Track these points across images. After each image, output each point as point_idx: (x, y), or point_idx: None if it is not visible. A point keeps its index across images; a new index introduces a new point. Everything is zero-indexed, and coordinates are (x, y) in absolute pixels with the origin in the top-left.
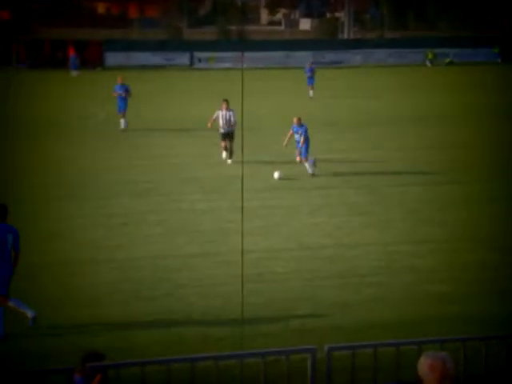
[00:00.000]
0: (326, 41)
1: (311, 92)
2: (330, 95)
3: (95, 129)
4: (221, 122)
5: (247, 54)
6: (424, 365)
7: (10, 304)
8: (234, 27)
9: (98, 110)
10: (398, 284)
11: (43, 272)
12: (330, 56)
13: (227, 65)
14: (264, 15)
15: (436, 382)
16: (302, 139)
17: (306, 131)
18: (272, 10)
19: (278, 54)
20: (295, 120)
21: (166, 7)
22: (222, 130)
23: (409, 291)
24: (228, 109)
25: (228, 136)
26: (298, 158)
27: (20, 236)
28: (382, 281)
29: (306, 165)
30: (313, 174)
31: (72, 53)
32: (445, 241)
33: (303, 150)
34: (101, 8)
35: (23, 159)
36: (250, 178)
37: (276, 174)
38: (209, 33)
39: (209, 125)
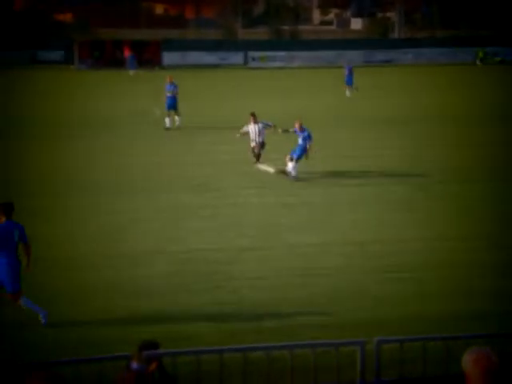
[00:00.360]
0: (377, 40)
1: (349, 91)
2: (376, 94)
3: (150, 126)
4: (251, 136)
5: (299, 54)
6: (468, 360)
7: (21, 303)
8: (286, 27)
9: (154, 108)
10: (442, 279)
11: (103, 262)
12: (380, 55)
13: (279, 64)
14: (316, 15)
15: (480, 377)
16: (301, 142)
17: (308, 136)
18: (324, 10)
19: (329, 54)
20: (297, 125)
21: (222, 8)
22: (252, 144)
23: (453, 286)
24: (256, 122)
25: (258, 146)
26: (286, 158)
27: (83, 227)
28: (427, 276)
29: (290, 165)
30: (295, 178)
31: (128, 53)
32: (487, 237)
33: (297, 152)
34: (159, 9)
35: (81, 156)
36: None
37: (293, 172)
38: (262, 33)
39: (237, 135)
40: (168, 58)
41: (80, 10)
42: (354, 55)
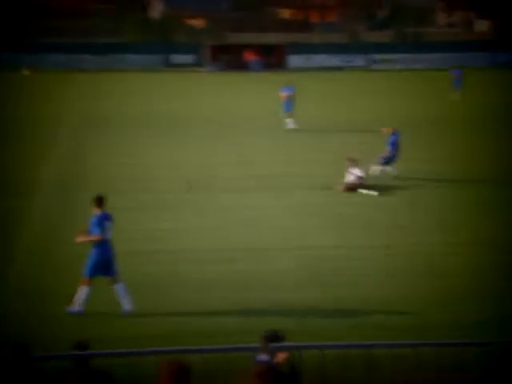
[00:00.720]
0: (501, 41)
1: (456, 94)
2: (489, 96)
3: (273, 126)
4: (346, 176)
5: (422, 56)
6: None
7: (116, 287)
8: (410, 30)
9: (277, 110)
10: None
11: (231, 256)
12: (505, 57)
13: (402, 66)
14: (441, 17)
15: None
16: (389, 147)
17: (394, 142)
18: (448, 12)
19: (453, 56)
20: (388, 131)
21: (346, 12)
22: (342, 184)
23: None
24: (354, 166)
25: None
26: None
27: (215, 223)
28: None
29: (384, 168)
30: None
31: (253, 56)
32: None
33: (383, 159)
34: (285, 14)
35: (207, 154)
36: (407, 176)
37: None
38: (385, 35)
39: (339, 189)
40: (293, 60)
41: (211, 16)
42: (479, 57)
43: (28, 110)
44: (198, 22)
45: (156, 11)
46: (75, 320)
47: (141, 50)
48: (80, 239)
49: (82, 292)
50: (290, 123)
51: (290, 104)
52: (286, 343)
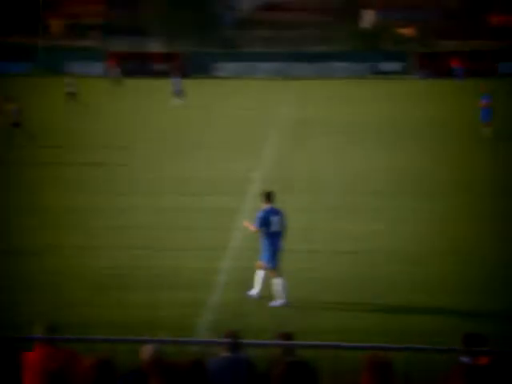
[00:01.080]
0: None
1: None
2: None
3: (467, 134)
4: None
5: None
6: None
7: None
8: None
9: (476, 117)
10: None
11: (418, 260)
12: None
13: None
14: None
15: None
16: None
17: None
18: None
19: None
20: None
21: None
22: None
23: None
24: None
25: None
26: None
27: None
28: None
29: None
30: None
31: (458, 63)
32: None
33: None
34: (496, 21)
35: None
36: None
37: None
38: None
39: None
40: (504, 67)
41: (421, 24)
42: None
43: (224, 114)
44: (407, 31)
45: (367, 21)
46: (280, 310)
47: (349, 58)
48: (245, 225)
49: (276, 284)
50: (486, 132)
51: (487, 112)
52: (487, 347)
